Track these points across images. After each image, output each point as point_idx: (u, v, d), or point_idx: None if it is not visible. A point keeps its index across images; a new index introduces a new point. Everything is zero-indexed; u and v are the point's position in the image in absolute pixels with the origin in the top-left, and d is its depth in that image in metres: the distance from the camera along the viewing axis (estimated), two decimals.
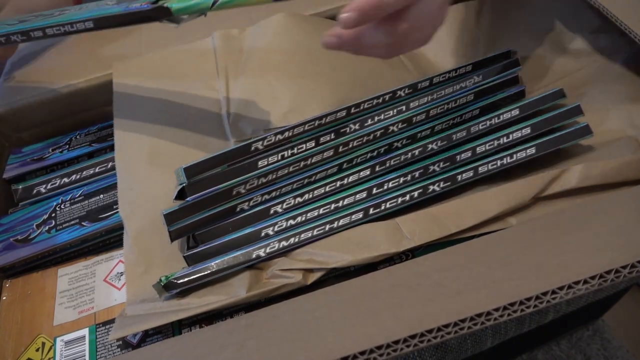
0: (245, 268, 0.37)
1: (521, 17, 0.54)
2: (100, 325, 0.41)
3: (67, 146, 0.52)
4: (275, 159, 0.40)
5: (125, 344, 0.39)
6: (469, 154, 0.40)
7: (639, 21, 0.40)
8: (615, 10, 0.41)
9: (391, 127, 0.42)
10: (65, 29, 0.39)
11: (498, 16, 0.55)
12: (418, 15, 0.32)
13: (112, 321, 0.41)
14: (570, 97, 0.43)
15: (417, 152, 0.40)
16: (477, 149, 0.40)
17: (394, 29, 0.32)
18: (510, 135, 0.40)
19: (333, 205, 0.38)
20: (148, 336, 0.39)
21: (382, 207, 0.38)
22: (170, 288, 0.36)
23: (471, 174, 0.39)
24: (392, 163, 0.40)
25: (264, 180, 0.39)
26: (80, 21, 0.38)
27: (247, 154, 0.40)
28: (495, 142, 0.40)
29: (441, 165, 0.40)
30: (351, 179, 0.39)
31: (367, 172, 0.40)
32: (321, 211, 0.38)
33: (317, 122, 0.42)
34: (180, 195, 0.38)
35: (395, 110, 0.43)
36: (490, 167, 0.39)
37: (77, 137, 0.52)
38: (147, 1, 0.35)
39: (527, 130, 0.40)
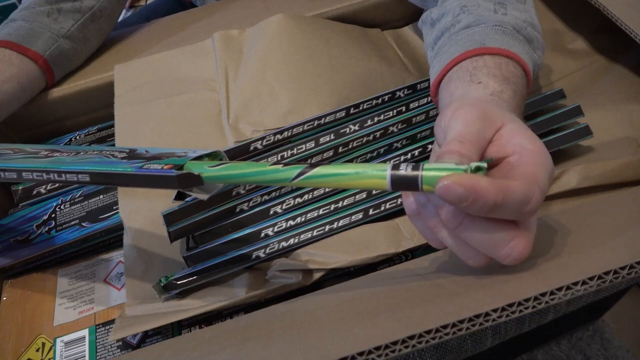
0: (245, 268, 0.37)
1: None
2: (100, 325, 0.41)
3: None
4: (275, 159, 0.40)
5: (125, 345, 0.39)
6: None
7: (639, 21, 0.40)
8: (615, 10, 0.41)
9: (391, 128, 0.42)
10: (50, 177, 0.31)
11: None
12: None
13: (112, 322, 0.41)
14: (570, 97, 0.43)
15: (417, 152, 0.40)
16: None
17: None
18: None
19: (333, 206, 0.38)
20: (148, 337, 0.39)
21: (382, 208, 0.38)
22: (170, 289, 0.36)
23: None
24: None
25: None
26: (73, 172, 0.30)
27: (247, 153, 0.40)
28: None
29: None
30: None
31: None
32: (321, 212, 0.38)
33: (316, 123, 0.42)
34: (180, 195, 0.38)
35: (395, 111, 0.43)
36: None
37: (77, 137, 0.52)
38: (170, 165, 0.29)
39: None
